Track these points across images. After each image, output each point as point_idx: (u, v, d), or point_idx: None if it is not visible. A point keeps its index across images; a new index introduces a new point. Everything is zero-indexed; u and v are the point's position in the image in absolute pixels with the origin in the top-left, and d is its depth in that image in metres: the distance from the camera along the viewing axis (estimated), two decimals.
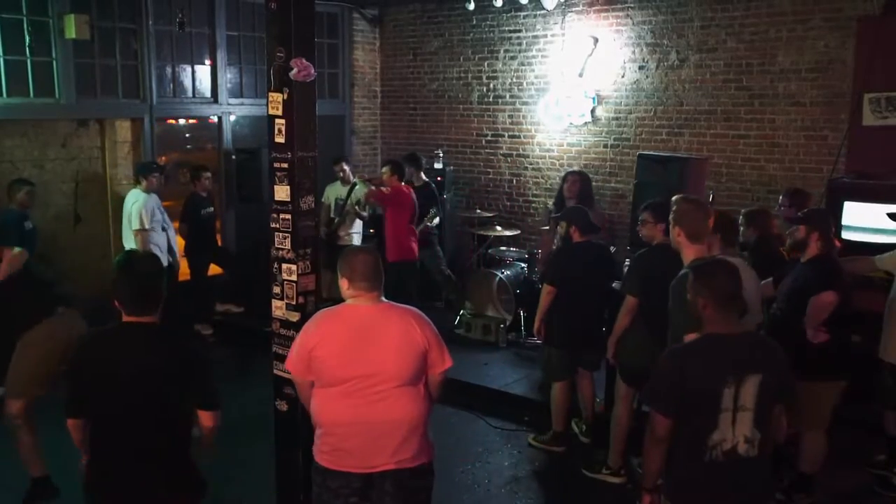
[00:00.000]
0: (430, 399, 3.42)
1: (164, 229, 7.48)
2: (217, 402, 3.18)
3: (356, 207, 8.11)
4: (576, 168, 8.18)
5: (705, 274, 3.11)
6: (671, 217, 4.03)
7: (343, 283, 3.34)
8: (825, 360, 4.40)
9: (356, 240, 8.28)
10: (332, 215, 8.28)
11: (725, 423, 2.96)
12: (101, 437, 3.13)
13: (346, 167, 8.25)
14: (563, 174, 7.78)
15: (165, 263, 7.28)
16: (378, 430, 3.26)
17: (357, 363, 3.23)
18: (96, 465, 3.16)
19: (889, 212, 5.14)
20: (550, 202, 7.88)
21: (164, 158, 9.02)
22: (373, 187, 7.56)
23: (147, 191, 7.34)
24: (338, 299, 3.45)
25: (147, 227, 7.19)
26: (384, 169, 7.59)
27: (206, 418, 3.15)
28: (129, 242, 7.28)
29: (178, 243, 8.02)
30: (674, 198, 4.12)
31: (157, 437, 3.07)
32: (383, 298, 3.38)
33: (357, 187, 8.11)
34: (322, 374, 3.29)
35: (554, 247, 5.93)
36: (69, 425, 3.18)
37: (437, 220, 7.93)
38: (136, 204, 7.25)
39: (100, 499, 3.18)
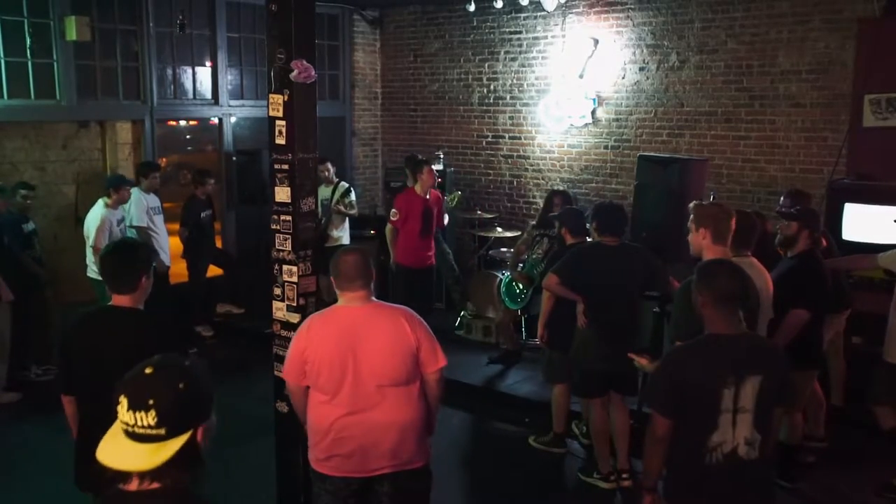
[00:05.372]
0: (427, 401, 3.40)
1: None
2: None
3: (339, 206, 8.11)
4: (562, 179, 8.16)
5: (707, 274, 3.10)
6: (693, 220, 3.96)
7: (333, 284, 3.36)
8: (803, 350, 4.54)
9: (346, 240, 8.27)
10: (319, 216, 8.25)
11: (725, 424, 2.94)
12: (85, 415, 3.23)
13: (330, 167, 8.22)
14: (549, 188, 7.64)
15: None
16: (374, 433, 3.25)
17: (349, 365, 3.22)
18: (82, 442, 3.23)
19: None
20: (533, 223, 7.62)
21: (163, 160, 9.01)
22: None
23: (115, 204, 6.94)
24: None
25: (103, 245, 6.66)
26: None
27: None
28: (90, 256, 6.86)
29: (175, 246, 8.00)
30: (692, 204, 4.12)
31: None
32: (373, 298, 3.37)
33: (341, 187, 8.14)
34: (315, 378, 3.28)
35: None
36: (62, 401, 3.32)
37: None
38: (93, 220, 6.83)
39: (85, 475, 3.22)
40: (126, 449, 1.76)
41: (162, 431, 1.75)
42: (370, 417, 3.24)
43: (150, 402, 1.74)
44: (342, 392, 3.23)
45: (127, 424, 1.75)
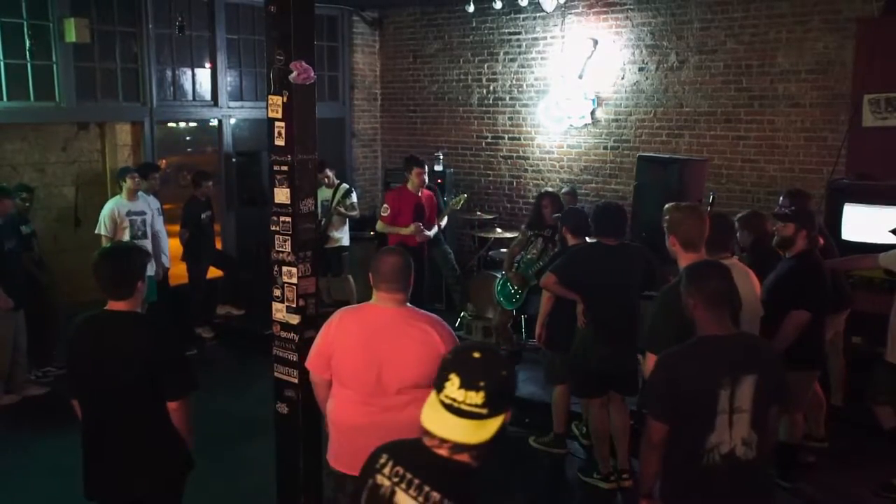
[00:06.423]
0: None
1: (145, 236, 7.11)
2: (181, 393, 3.22)
3: (340, 208, 8.12)
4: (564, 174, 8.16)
5: (696, 276, 3.09)
6: (665, 226, 3.88)
7: (371, 281, 3.34)
8: (803, 351, 4.54)
9: (346, 241, 8.28)
10: (319, 217, 8.26)
11: (722, 425, 2.93)
12: (85, 417, 3.28)
13: (329, 173, 8.26)
14: (540, 191, 7.45)
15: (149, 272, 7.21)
16: (395, 434, 3.20)
17: (374, 365, 3.19)
18: (83, 443, 3.29)
19: (892, 228, 5.13)
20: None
21: (164, 162, 9.01)
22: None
23: (129, 195, 7.03)
24: (340, 303, 3.44)
25: (107, 233, 6.87)
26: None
27: (171, 408, 3.21)
28: None
29: (175, 248, 8.00)
30: (665, 206, 4.04)
31: (131, 417, 3.18)
32: (408, 304, 3.34)
33: (342, 189, 8.13)
34: (339, 371, 3.27)
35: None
36: (73, 405, 3.33)
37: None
38: (104, 209, 6.99)
39: (92, 482, 3.28)
40: (450, 421, 1.92)
41: (485, 411, 1.92)
42: (393, 418, 3.21)
43: (481, 383, 1.92)
44: (365, 391, 3.22)
45: (453, 401, 1.92)
